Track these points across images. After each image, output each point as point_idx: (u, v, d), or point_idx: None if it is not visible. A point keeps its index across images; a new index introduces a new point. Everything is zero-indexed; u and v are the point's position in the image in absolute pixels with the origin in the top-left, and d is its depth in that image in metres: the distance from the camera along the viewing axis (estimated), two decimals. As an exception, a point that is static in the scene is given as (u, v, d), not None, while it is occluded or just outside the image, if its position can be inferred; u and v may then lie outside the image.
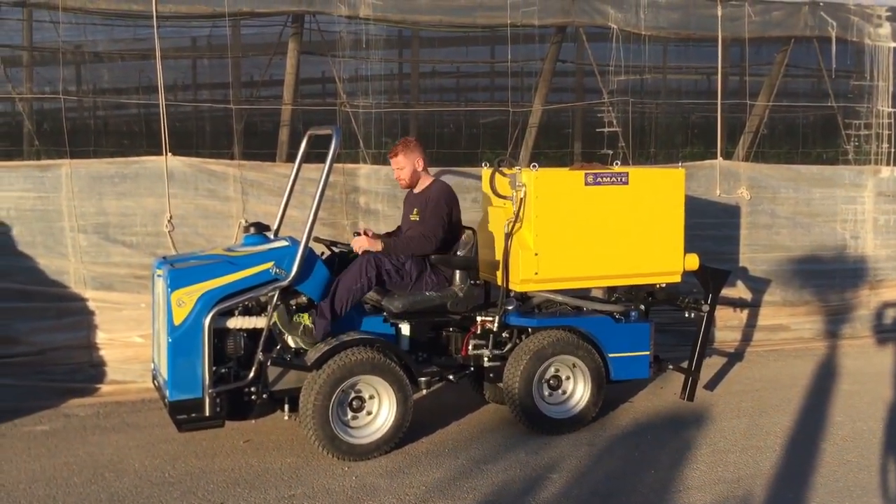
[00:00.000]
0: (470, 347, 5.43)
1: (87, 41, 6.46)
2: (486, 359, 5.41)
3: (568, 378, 5.57)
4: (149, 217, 6.33)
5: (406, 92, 8.91)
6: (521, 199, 5.25)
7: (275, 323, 4.87)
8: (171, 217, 6.33)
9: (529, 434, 5.42)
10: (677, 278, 5.74)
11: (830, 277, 8.12)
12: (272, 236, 5.35)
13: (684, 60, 8.59)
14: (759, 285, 7.91)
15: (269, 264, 4.87)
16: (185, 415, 4.67)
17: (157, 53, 6.28)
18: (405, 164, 5.56)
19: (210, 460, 4.95)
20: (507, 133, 7.43)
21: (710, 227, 7.66)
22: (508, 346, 5.49)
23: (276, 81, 7.47)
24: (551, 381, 5.52)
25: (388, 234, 5.72)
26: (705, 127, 8.70)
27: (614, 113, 7.44)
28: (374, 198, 6.93)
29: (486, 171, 5.77)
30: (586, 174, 5.43)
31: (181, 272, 4.77)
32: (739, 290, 7.84)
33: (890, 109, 8.31)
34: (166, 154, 6.30)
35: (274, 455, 5.02)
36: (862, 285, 8.24)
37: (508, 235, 5.30)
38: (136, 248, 6.26)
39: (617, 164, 5.70)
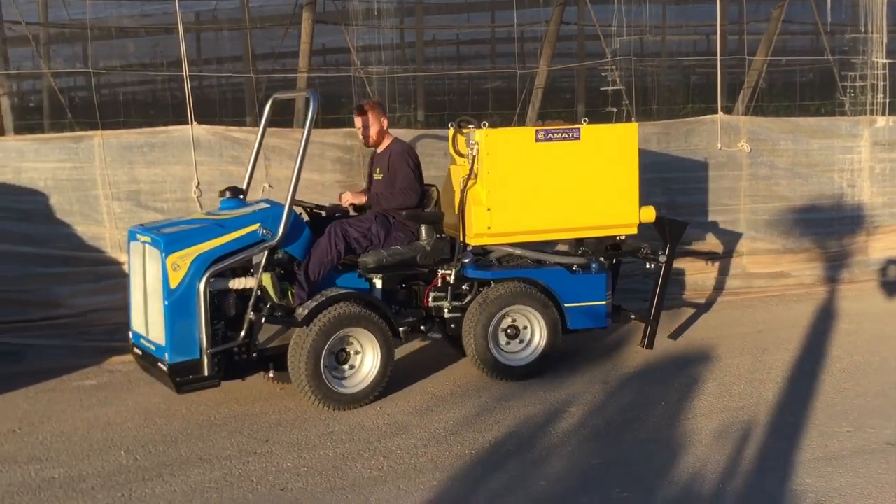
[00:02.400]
0: (430, 299, 5.63)
1: (112, 17, 6.75)
2: (446, 310, 5.62)
3: (525, 328, 5.76)
4: (177, 184, 6.64)
5: (413, 61, 9.18)
6: (475, 156, 5.50)
7: (263, 287, 5.03)
8: (198, 183, 6.64)
9: (547, 373, 5.77)
10: (634, 230, 5.95)
11: (829, 225, 8.43)
12: (245, 200, 5.45)
13: (684, 19, 8.84)
14: (759, 234, 8.22)
15: (256, 225, 5.04)
16: (183, 376, 4.82)
17: (180, 27, 6.57)
18: (373, 122, 5.72)
19: (251, 405, 5.31)
20: (511, 96, 7.72)
21: (711, 179, 7.97)
22: (468, 298, 5.68)
23: (293, 53, 7.74)
24: (509, 331, 5.71)
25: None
26: (706, 84, 8.98)
27: (617, 72, 7.73)
28: (390, 160, 7.21)
29: (450, 132, 5.99)
30: (537, 131, 5.64)
31: (174, 236, 4.85)
32: (742, 240, 8.16)
33: (884, 61, 8.56)
34: (192, 123, 6.61)
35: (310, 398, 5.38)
36: (859, 232, 8.55)
37: (464, 192, 5.56)
38: (167, 213, 6.58)
39: (585, 121, 5.81)
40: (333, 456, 4.54)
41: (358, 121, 5.77)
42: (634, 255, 6.17)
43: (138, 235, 5.04)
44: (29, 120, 7.09)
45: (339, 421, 5.03)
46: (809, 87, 9.76)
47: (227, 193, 5.27)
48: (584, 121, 5.77)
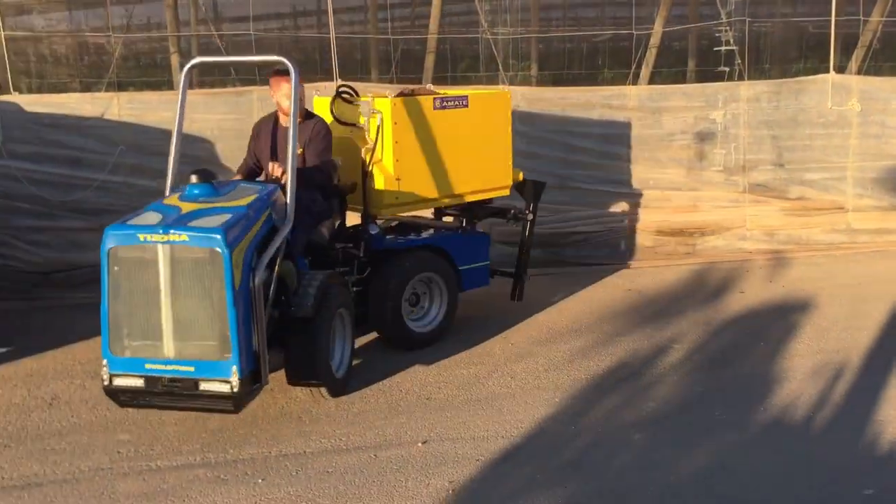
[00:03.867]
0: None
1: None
2: (350, 285, 5.35)
3: (425, 293, 5.79)
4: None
5: (539, 19, 9.65)
6: (379, 126, 5.33)
7: (282, 277, 4.54)
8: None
9: (654, 315, 6.35)
10: (507, 192, 6.17)
11: (939, 183, 8.58)
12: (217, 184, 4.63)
13: (800, -23, 9.03)
14: (866, 191, 8.47)
15: (269, 211, 4.54)
16: (248, 390, 4.14)
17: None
18: (296, 91, 4.89)
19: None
20: (624, 53, 8.15)
21: (820, 137, 8.25)
22: (368, 270, 5.55)
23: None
24: (410, 299, 5.70)
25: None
26: (819, 43, 9.15)
27: (731, 32, 8.05)
28: (513, 115, 7.80)
29: (319, 100, 5.76)
30: (434, 99, 5.62)
31: (227, 228, 4.07)
32: (848, 197, 8.43)
33: None
34: (336, 80, 7.34)
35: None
36: (969, 191, 8.66)
37: (370, 162, 5.40)
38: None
39: (429, 86, 5.92)
40: (467, 375, 5.28)
41: (284, 85, 5.07)
42: (505, 215, 6.29)
43: (146, 236, 4.04)
44: (198, 76, 7.97)
45: (470, 345, 5.75)
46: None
47: (194, 178, 4.45)
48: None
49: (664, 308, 6.47)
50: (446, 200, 5.90)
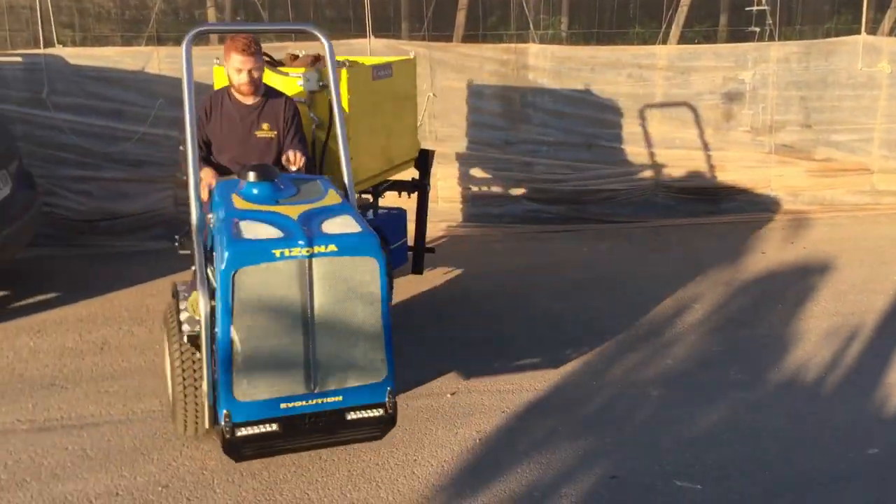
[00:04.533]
0: None
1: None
2: None
3: None
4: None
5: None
6: (330, 99, 4.47)
7: None
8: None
9: (675, 274, 6.54)
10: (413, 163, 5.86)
11: (966, 147, 8.62)
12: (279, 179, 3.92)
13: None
14: (892, 153, 8.52)
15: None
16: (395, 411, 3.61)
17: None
18: (261, 66, 4.50)
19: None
20: (656, 11, 8.18)
21: (848, 98, 8.29)
22: None
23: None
24: None
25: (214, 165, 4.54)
26: (852, 2, 9.10)
27: (764, -10, 8.06)
28: (542, 74, 7.92)
29: (221, 69, 4.82)
30: (372, 68, 5.18)
31: (371, 234, 3.52)
32: (874, 158, 8.49)
33: None
34: (370, 37, 7.48)
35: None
36: None
37: (324, 142, 4.87)
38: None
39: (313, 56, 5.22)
40: (493, 332, 5.53)
41: (249, 61, 4.39)
42: (405, 187, 5.91)
43: (282, 251, 3.33)
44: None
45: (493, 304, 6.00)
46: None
47: (252, 175, 3.79)
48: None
49: (686, 268, 6.66)
50: (383, 176, 5.48)
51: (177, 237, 4.42)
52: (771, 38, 8.08)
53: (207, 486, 3.73)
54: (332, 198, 3.86)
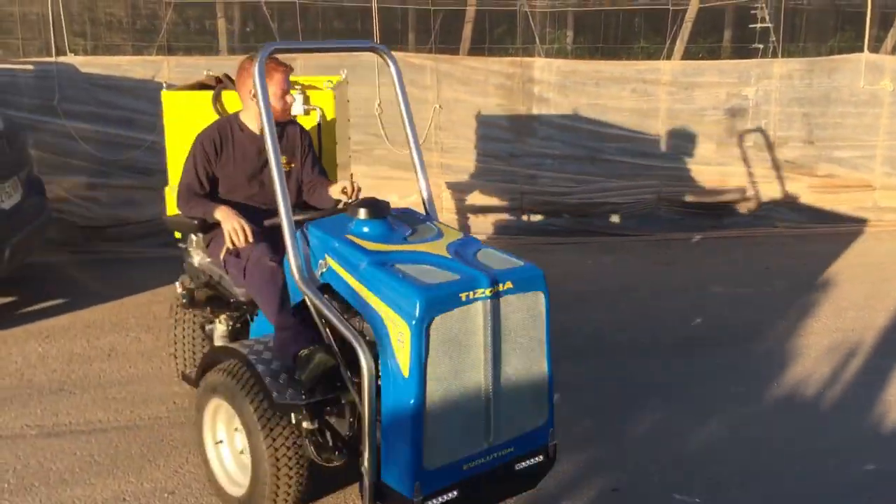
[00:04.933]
0: None
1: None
2: None
3: None
4: (362, 102, 7.65)
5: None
6: (317, 124, 4.29)
7: None
8: (380, 102, 7.64)
9: (679, 287, 6.58)
10: None
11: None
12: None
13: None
14: (894, 170, 8.58)
15: None
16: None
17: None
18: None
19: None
20: (660, 26, 8.27)
21: (851, 115, 8.36)
22: None
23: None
24: None
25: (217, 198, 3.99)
26: (855, 19, 9.19)
27: (767, 10, 8.14)
28: (547, 87, 8.01)
29: (169, 94, 4.68)
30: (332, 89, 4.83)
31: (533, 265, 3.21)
32: (876, 175, 8.56)
33: None
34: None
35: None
36: None
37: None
38: (354, 127, 7.63)
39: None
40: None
41: (284, 81, 3.91)
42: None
43: (468, 293, 2.95)
44: (244, 42, 8.22)
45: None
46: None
47: (363, 212, 3.34)
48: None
49: (688, 281, 6.72)
50: None
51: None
52: (774, 55, 8.16)
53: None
54: (450, 231, 3.49)
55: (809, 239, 8.08)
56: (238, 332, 4.13)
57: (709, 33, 10.15)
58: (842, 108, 8.40)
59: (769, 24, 8.18)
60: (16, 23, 7.45)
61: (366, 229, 3.30)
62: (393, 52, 7.44)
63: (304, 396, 3.24)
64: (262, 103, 3.23)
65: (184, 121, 4.53)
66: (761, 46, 8.25)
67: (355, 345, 2.95)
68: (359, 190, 3.86)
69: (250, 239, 3.66)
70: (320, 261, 3.25)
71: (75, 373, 4.99)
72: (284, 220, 3.20)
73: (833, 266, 7.26)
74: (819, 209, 8.49)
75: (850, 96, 8.34)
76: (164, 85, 4.80)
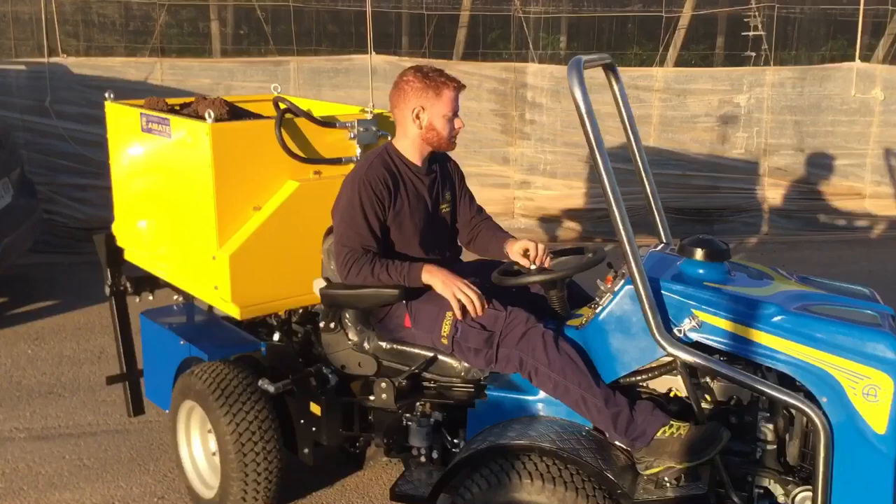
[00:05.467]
0: None
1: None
2: None
3: None
4: (356, 105, 7.66)
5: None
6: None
7: None
8: (373, 106, 7.62)
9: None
10: None
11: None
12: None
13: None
14: (884, 178, 8.64)
15: None
16: None
17: (363, -34, 7.48)
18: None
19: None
20: (654, 32, 8.30)
21: (842, 124, 8.41)
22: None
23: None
24: None
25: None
26: (847, 28, 9.25)
27: (759, 18, 8.18)
28: (540, 93, 8.02)
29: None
30: None
31: None
32: (866, 183, 8.61)
33: None
34: (371, 53, 7.57)
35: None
36: None
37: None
38: (348, 132, 7.64)
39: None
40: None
41: (454, 100, 3.18)
42: None
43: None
44: (237, 45, 8.22)
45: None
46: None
47: (702, 252, 3.09)
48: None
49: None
50: None
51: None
52: (766, 63, 8.20)
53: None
54: (781, 278, 3.20)
55: (800, 246, 8.11)
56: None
57: (702, 40, 10.20)
58: (833, 117, 8.44)
59: (762, 32, 8.22)
60: (8, 23, 7.42)
61: (702, 270, 3.00)
62: (386, 57, 7.50)
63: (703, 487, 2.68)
64: (583, 110, 2.75)
65: (233, 154, 3.40)
66: (753, 54, 8.29)
67: (803, 407, 2.54)
68: (546, 255, 3.30)
69: (486, 305, 2.99)
70: (687, 316, 2.78)
71: (65, 375, 4.98)
72: (634, 268, 2.74)
73: (823, 274, 7.23)
74: (809, 217, 8.53)
75: (842, 105, 8.38)
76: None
